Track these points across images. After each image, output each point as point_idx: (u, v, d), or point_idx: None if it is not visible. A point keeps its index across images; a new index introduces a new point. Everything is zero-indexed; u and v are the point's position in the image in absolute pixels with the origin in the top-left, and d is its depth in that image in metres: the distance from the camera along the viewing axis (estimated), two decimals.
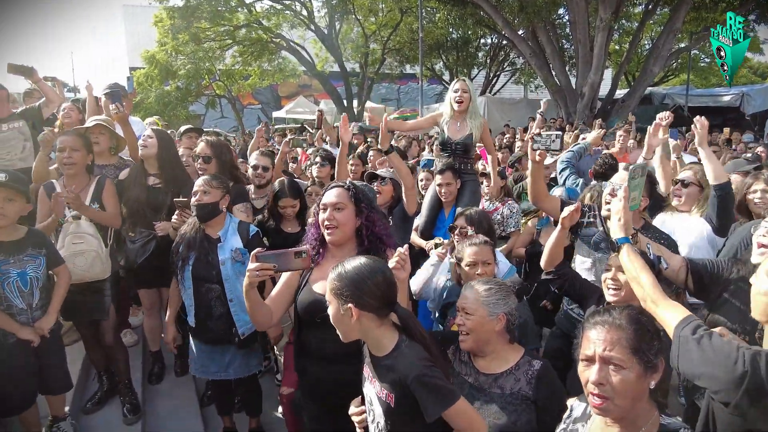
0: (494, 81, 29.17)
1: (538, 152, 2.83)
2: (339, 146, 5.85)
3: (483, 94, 25.69)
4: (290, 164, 6.52)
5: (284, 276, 2.39)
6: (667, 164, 4.09)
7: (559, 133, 2.75)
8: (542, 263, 2.75)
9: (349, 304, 1.80)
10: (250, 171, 4.45)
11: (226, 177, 3.63)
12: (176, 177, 3.79)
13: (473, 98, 4.38)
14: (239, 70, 26.03)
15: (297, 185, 3.96)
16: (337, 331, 1.89)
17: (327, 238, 2.27)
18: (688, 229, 3.53)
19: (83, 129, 3.79)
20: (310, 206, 3.67)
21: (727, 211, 3.23)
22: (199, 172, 3.71)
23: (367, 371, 1.96)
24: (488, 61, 28.60)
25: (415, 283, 3.20)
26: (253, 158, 4.42)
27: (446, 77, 28.95)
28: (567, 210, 2.58)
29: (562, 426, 1.76)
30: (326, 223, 2.25)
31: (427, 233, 4.29)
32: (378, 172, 3.96)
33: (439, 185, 4.22)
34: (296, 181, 4.15)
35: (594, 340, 1.52)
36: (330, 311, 1.87)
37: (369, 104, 25.40)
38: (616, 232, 2.20)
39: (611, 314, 1.55)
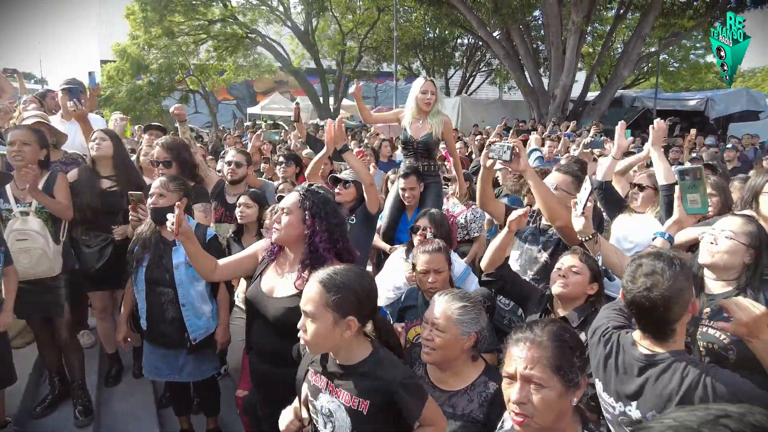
0: (470, 81, 29.40)
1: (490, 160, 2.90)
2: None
3: (459, 94, 25.89)
4: (262, 164, 6.38)
5: (246, 251, 2.61)
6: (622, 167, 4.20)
7: (511, 144, 2.81)
8: (482, 264, 2.77)
9: (351, 317, 1.76)
10: (224, 167, 4.39)
11: (186, 177, 3.60)
12: (131, 179, 3.73)
13: (438, 98, 4.39)
14: (214, 65, 25.67)
15: (258, 194, 3.91)
16: (308, 345, 1.80)
17: (272, 235, 2.40)
18: (643, 230, 3.63)
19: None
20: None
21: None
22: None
23: (323, 381, 1.90)
24: (465, 61, 28.79)
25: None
26: (229, 154, 4.38)
27: None
28: (515, 213, 2.60)
29: None
30: (274, 224, 2.38)
31: (389, 235, 4.29)
32: (341, 175, 3.94)
33: (402, 189, 4.22)
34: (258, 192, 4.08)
35: (516, 357, 1.52)
36: (314, 326, 1.75)
37: (345, 102, 25.42)
38: (670, 227, 2.34)
39: (533, 330, 1.55)
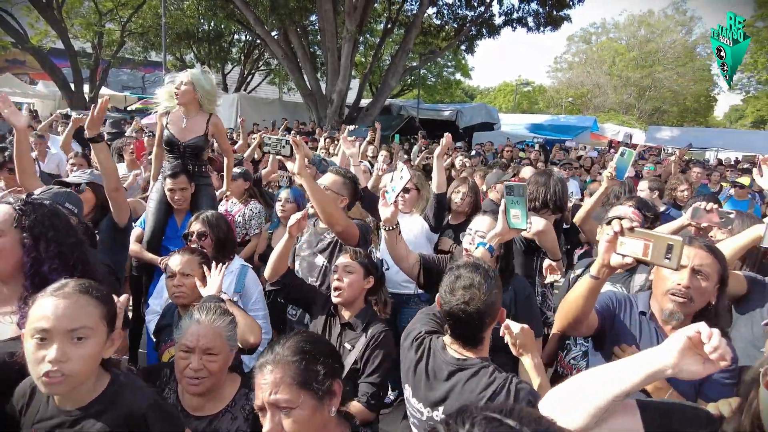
0: (249, 79, 28.72)
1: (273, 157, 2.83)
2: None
3: (237, 92, 25.11)
4: None
5: None
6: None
7: (288, 139, 2.75)
8: (266, 274, 2.66)
9: (118, 329, 1.55)
10: None
11: None
12: None
13: (197, 89, 3.97)
14: None
15: None
16: (63, 382, 1.42)
17: None
18: (410, 228, 3.95)
19: None
20: None
21: (442, 213, 3.82)
22: None
23: None
24: (242, 58, 28.00)
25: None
26: None
27: None
28: (294, 218, 2.55)
29: None
30: None
31: (154, 243, 3.80)
32: (69, 179, 3.23)
33: (171, 191, 3.77)
34: None
35: (260, 385, 1.40)
36: (87, 348, 1.44)
37: (104, 90, 22.30)
38: (491, 238, 2.27)
39: (274, 350, 1.46)
